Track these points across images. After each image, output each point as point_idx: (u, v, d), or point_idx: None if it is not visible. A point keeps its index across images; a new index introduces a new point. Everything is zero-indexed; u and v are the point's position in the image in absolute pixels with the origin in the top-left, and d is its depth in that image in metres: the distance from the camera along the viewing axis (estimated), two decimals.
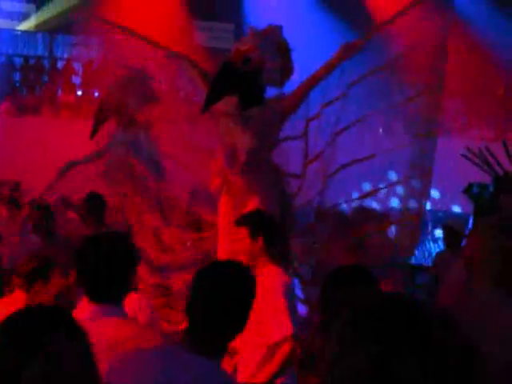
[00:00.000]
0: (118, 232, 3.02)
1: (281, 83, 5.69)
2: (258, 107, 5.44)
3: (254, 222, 4.53)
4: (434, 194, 14.69)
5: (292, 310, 4.29)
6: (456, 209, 15.77)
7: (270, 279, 4.34)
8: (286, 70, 5.65)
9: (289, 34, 5.75)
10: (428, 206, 15.45)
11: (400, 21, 5.76)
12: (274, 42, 5.53)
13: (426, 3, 5.72)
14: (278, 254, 4.59)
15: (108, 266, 2.86)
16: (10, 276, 4.86)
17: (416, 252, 11.63)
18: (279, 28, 5.65)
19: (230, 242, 5.25)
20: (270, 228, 4.56)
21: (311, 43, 18.56)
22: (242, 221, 4.61)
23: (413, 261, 11.39)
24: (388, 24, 5.89)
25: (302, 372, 4.50)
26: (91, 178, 7.07)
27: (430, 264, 10.28)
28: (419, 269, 9.65)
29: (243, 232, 4.49)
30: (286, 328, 4.20)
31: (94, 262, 2.88)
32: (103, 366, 2.35)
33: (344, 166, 5.88)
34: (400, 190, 5.92)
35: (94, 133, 6.62)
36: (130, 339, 2.74)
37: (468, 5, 18.93)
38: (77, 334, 1.87)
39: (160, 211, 6.45)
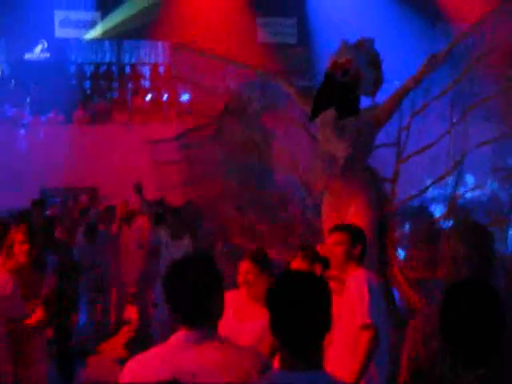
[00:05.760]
0: (203, 255, 3.00)
1: (373, 93, 5.97)
2: (353, 117, 5.72)
3: (355, 231, 4.77)
4: None
5: (374, 303, 4.41)
6: None
7: (357, 277, 4.54)
8: (379, 80, 5.94)
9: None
10: None
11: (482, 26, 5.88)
12: (368, 55, 5.83)
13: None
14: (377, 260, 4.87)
15: (193, 292, 2.82)
16: None
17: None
18: (371, 41, 5.91)
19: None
20: (365, 241, 4.79)
21: (378, 34, 18.40)
22: (344, 228, 4.84)
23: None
24: (472, 30, 5.97)
25: None
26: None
27: None
28: None
29: (344, 237, 4.67)
30: (365, 315, 4.35)
31: (179, 288, 2.85)
32: None
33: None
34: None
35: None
36: (235, 363, 2.75)
37: None
38: None
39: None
